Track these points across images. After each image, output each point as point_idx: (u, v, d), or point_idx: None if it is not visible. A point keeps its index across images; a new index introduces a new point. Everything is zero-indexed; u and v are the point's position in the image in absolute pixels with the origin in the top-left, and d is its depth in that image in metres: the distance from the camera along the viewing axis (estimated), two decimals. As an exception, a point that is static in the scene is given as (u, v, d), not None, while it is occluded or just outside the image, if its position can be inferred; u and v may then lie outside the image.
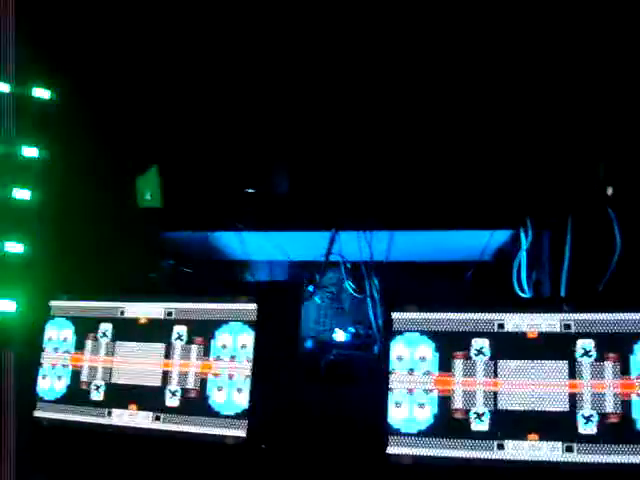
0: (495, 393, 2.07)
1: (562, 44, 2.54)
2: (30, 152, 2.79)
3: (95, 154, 2.90)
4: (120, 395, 2.39)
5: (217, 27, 2.93)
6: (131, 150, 2.96)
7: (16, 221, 2.73)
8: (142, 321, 2.43)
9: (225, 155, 2.96)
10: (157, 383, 2.34)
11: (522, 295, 2.50)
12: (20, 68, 2.81)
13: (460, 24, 2.64)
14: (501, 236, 2.64)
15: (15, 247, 2.69)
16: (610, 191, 2.51)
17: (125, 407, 2.37)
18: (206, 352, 2.31)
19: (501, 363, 2.10)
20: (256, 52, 2.92)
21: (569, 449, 1.97)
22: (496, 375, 2.09)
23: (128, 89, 3.02)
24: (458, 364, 2.13)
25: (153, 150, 2.97)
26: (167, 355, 2.35)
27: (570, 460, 1.96)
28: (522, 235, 2.54)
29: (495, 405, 2.06)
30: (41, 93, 2.85)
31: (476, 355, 2.13)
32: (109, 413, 2.38)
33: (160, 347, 2.37)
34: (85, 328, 2.52)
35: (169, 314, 2.39)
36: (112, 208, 2.88)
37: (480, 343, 2.13)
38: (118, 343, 2.45)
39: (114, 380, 2.41)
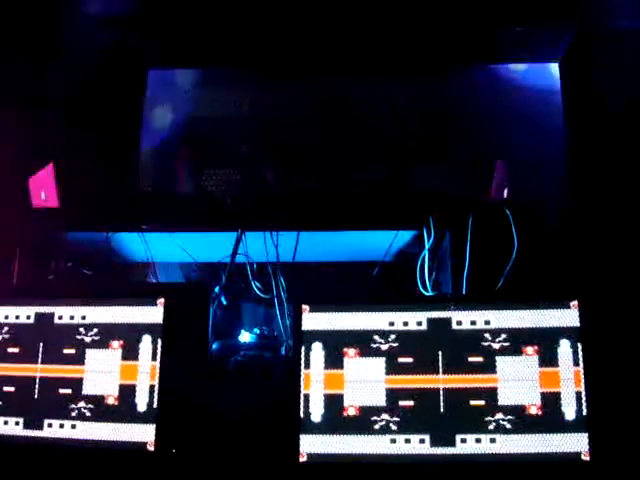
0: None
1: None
2: None
3: None
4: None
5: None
6: (24, 148, 2.79)
7: None
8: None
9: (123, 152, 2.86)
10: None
11: (425, 294, 2.51)
12: None
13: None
14: (404, 237, 2.65)
15: None
16: (505, 192, 2.57)
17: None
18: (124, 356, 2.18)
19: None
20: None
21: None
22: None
23: (19, 82, 2.85)
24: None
25: (47, 147, 2.82)
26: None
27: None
28: (425, 235, 2.55)
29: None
30: None
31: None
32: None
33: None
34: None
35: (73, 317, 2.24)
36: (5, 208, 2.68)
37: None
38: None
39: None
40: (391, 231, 2.60)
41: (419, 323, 2.10)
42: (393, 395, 2.05)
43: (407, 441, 2.01)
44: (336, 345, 2.12)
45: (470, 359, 2.01)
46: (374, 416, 2.04)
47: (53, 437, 2.14)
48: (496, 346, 2.01)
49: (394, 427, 2.02)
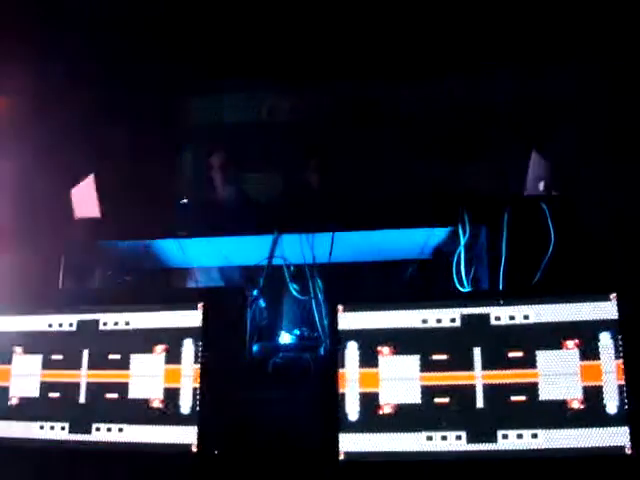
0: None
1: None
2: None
3: (31, 165, 2.80)
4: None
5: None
6: (67, 160, 2.85)
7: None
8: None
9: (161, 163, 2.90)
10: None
11: (462, 290, 2.50)
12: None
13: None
14: (440, 234, 2.64)
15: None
16: (542, 186, 2.54)
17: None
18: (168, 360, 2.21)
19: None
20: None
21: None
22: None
23: (60, 95, 2.92)
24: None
25: (89, 160, 2.88)
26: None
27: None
28: (460, 231, 2.54)
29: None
30: None
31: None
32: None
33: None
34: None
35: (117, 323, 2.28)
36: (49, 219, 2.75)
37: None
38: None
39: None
40: (426, 229, 2.60)
41: (453, 320, 2.08)
42: (428, 392, 2.04)
43: (444, 438, 2.00)
44: (370, 344, 2.12)
45: (510, 354, 1.99)
46: (410, 413, 2.03)
47: (101, 441, 2.18)
48: (536, 341, 1.99)
49: (430, 424, 2.01)
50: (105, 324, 2.26)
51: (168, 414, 2.15)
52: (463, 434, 1.99)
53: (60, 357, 2.29)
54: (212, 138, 2.89)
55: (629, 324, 2.00)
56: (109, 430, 2.18)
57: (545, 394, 1.95)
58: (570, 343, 1.98)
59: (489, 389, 1.98)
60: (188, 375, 2.16)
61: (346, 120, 2.73)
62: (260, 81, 2.78)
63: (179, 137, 2.93)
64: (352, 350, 2.14)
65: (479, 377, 1.99)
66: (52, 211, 2.77)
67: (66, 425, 2.22)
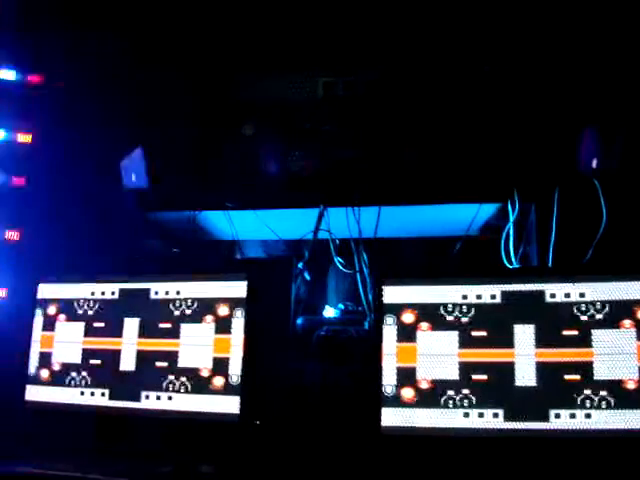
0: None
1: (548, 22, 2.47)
2: (14, 136, 2.69)
3: (80, 137, 2.79)
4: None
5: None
6: (116, 132, 2.83)
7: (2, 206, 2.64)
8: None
9: (210, 135, 2.86)
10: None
11: (510, 267, 2.43)
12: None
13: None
14: (488, 210, 2.57)
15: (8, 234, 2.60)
16: (595, 164, 2.45)
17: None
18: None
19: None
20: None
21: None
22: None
23: (111, 70, 2.90)
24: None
25: (138, 131, 2.85)
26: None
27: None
28: (509, 208, 2.47)
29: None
30: (25, 78, 2.75)
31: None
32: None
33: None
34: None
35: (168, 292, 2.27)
36: (98, 190, 2.75)
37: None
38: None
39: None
40: (474, 204, 2.53)
41: (493, 296, 2.04)
42: (465, 369, 2.00)
43: (480, 415, 1.96)
44: (409, 319, 2.08)
45: (564, 332, 1.93)
46: (447, 390, 2.00)
47: (149, 409, 2.17)
48: (591, 319, 1.92)
49: (467, 401, 1.98)
50: (156, 293, 2.24)
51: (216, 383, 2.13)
52: (500, 412, 1.94)
53: (102, 325, 2.30)
54: (260, 114, 2.83)
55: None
56: (158, 398, 2.17)
57: (600, 374, 1.88)
58: (627, 322, 1.91)
59: (543, 367, 1.92)
60: (238, 345, 2.14)
61: (393, 94, 2.65)
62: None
63: (228, 111, 2.87)
64: (390, 325, 2.10)
65: (534, 354, 1.93)
66: (101, 182, 2.76)
67: (106, 392, 2.23)
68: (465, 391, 1.98)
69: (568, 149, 2.42)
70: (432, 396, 2.00)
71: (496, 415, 1.94)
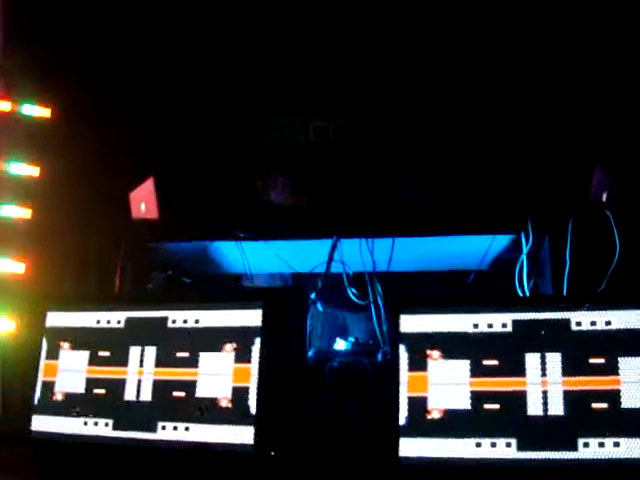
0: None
1: (561, 47, 2.48)
2: (21, 169, 2.63)
3: (88, 168, 2.75)
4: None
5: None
6: (125, 162, 2.81)
7: (9, 239, 2.57)
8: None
9: (220, 166, 2.84)
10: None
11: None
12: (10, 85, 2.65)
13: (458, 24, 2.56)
14: (501, 242, 2.54)
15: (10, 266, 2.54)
16: (605, 197, 2.44)
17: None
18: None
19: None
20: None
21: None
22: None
23: (120, 101, 2.92)
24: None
25: (147, 162, 2.82)
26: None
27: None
28: (523, 239, 2.44)
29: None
30: (32, 110, 2.69)
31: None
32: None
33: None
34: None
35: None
36: (107, 221, 2.71)
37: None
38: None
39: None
40: (488, 236, 2.49)
41: (504, 325, 1.98)
42: (477, 398, 1.93)
43: (493, 445, 1.88)
44: (420, 347, 2.03)
45: (591, 361, 1.87)
46: (459, 419, 1.93)
47: (167, 440, 2.08)
48: (618, 347, 1.87)
49: (479, 431, 1.90)
50: (174, 322, 2.17)
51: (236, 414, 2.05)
52: (513, 441, 1.87)
53: (108, 354, 2.22)
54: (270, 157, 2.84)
55: None
56: (175, 429, 2.08)
57: (628, 402, 1.82)
58: (637, 349, 1.86)
59: (570, 396, 1.86)
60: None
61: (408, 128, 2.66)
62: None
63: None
64: (401, 354, 2.04)
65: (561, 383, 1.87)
66: (111, 212, 2.72)
67: (110, 422, 2.14)
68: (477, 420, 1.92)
69: (581, 182, 2.43)
70: (443, 425, 1.94)
71: (509, 445, 1.87)
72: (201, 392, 2.08)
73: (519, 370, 1.92)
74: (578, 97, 2.53)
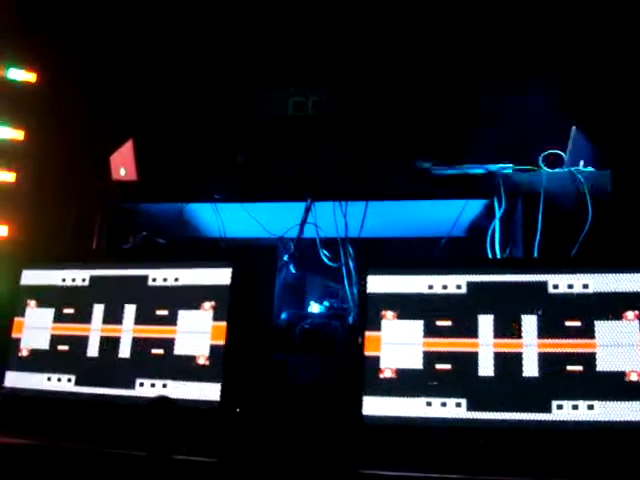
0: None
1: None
2: (6, 133, 2.58)
3: (70, 132, 2.70)
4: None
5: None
6: (106, 126, 2.77)
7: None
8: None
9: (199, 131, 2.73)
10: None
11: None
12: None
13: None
14: (474, 208, 2.42)
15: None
16: (582, 164, 2.32)
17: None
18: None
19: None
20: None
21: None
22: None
23: (102, 63, 2.84)
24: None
25: (128, 124, 2.77)
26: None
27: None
28: (495, 204, 2.33)
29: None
30: (17, 75, 2.63)
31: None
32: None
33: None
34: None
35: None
36: (87, 183, 2.66)
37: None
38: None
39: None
40: (460, 200, 2.38)
41: (459, 286, 1.91)
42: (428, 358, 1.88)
43: (443, 405, 1.83)
44: (377, 308, 1.97)
45: (567, 323, 1.78)
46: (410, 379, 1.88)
47: (143, 396, 1.99)
48: (594, 310, 1.77)
49: (430, 390, 1.85)
50: (154, 280, 2.09)
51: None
52: (463, 401, 1.81)
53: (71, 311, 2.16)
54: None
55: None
56: (153, 386, 1.99)
57: (603, 365, 1.73)
58: (630, 314, 1.77)
59: (546, 358, 1.76)
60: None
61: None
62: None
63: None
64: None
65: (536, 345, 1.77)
66: (91, 175, 2.66)
67: (73, 377, 2.08)
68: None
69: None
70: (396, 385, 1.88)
71: (459, 405, 1.82)
72: (179, 350, 2.01)
73: (471, 331, 1.85)
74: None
